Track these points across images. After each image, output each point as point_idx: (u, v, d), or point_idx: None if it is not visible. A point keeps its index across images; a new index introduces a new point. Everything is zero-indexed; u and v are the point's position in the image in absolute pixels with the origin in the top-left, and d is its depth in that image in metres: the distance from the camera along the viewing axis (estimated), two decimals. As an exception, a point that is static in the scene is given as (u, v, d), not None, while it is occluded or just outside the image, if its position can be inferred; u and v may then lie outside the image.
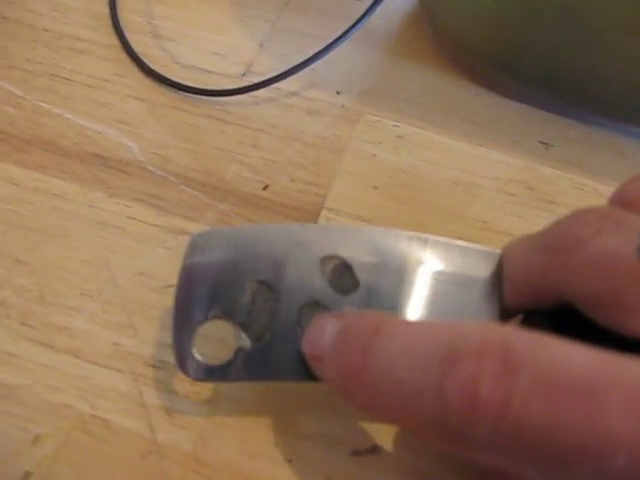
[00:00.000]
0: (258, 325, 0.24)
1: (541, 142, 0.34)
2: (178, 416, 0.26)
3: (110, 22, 0.37)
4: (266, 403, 0.26)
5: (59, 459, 0.25)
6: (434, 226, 0.31)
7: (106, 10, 0.37)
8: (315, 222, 0.31)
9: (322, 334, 0.22)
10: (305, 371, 0.23)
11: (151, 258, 0.29)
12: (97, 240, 0.30)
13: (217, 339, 0.25)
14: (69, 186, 0.31)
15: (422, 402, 0.18)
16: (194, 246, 0.25)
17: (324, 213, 0.31)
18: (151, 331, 0.28)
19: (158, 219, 0.30)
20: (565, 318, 0.22)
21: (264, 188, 0.32)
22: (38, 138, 0.33)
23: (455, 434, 0.18)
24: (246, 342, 0.24)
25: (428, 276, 0.24)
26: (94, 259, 0.29)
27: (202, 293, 0.24)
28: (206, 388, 0.26)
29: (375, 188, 0.32)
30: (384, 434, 0.26)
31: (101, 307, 0.28)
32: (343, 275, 0.24)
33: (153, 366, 0.27)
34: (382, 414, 0.21)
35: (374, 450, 0.25)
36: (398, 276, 0.24)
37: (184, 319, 0.24)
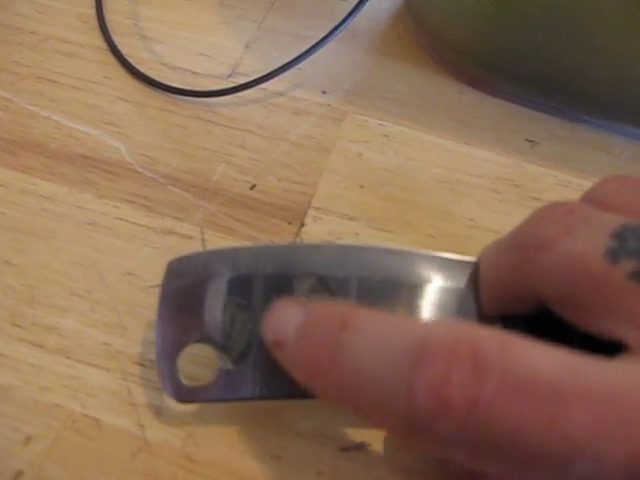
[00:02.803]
0: (238, 346, 0.24)
1: (527, 140, 0.34)
2: (167, 414, 0.26)
3: (97, 24, 0.37)
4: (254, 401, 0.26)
5: (50, 458, 0.25)
6: (421, 224, 0.31)
7: (92, 12, 0.37)
8: (302, 221, 0.31)
9: (285, 321, 0.22)
10: (287, 389, 0.23)
11: (140, 258, 0.30)
12: (86, 241, 0.30)
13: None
14: (57, 188, 0.31)
15: (391, 400, 0.18)
16: (172, 271, 0.25)
17: (311, 212, 0.31)
18: (140, 330, 0.28)
19: (146, 219, 0.31)
20: (544, 323, 0.22)
21: (251, 188, 0.32)
22: (26, 140, 0.33)
23: (423, 432, 0.18)
24: (227, 363, 0.24)
25: (404, 288, 0.24)
26: (83, 259, 0.29)
27: (182, 318, 0.25)
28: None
29: (361, 187, 0.32)
30: (371, 430, 0.26)
31: (90, 307, 0.28)
32: (320, 292, 0.24)
33: (142, 365, 0.27)
34: (350, 408, 0.21)
35: (362, 446, 0.26)
36: (373, 290, 0.24)
37: (167, 344, 0.25)
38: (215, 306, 0.24)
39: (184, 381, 0.24)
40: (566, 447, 0.17)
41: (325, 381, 0.20)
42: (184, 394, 0.24)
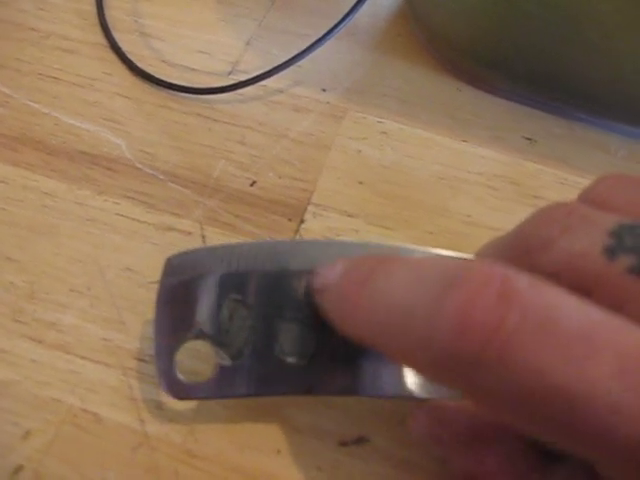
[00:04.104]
0: (236, 343, 0.24)
1: (525, 137, 0.34)
2: (168, 409, 0.26)
3: (97, 21, 0.37)
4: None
5: (50, 453, 0.25)
6: (419, 221, 0.31)
7: (93, 9, 0.37)
8: (302, 218, 0.31)
9: (331, 270, 0.22)
10: (285, 386, 0.24)
11: (139, 254, 0.30)
12: (86, 237, 0.30)
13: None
14: (58, 184, 0.32)
15: (416, 320, 0.18)
16: (170, 267, 0.25)
17: (310, 209, 0.31)
18: (140, 326, 0.28)
19: (146, 216, 0.31)
20: None
21: (251, 184, 0.32)
22: (27, 137, 0.33)
23: (441, 358, 0.18)
24: (226, 360, 0.24)
25: None
26: (83, 256, 0.30)
27: (180, 314, 0.25)
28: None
29: (360, 184, 0.32)
30: (371, 425, 0.26)
31: (90, 303, 0.28)
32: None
33: (142, 360, 0.27)
34: (372, 334, 0.21)
35: (361, 441, 0.26)
36: None
37: (164, 340, 0.25)
38: (213, 302, 0.24)
39: (181, 378, 0.24)
40: (587, 391, 0.16)
41: (356, 312, 0.21)
42: (181, 391, 0.24)
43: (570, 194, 0.32)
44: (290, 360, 0.24)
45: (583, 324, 0.17)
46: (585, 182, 0.32)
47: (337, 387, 0.24)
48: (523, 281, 0.18)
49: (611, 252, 0.19)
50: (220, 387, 0.24)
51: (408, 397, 0.24)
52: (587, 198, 0.23)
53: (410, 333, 0.19)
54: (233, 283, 0.25)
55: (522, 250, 0.22)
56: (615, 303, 0.19)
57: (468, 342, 0.17)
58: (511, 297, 0.17)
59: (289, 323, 0.24)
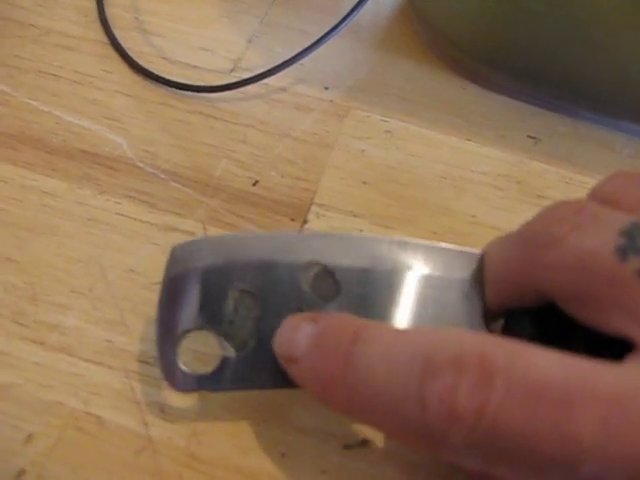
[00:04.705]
0: (242, 334, 0.24)
1: (529, 136, 0.34)
2: (171, 412, 0.26)
3: (97, 18, 0.37)
4: (258, 398, 0.26)
5: (53, 456, 0.25)
6: (423, 221, 0.31)
7: (93, 6, 0.37)
8: (305, 218, 0.31)
9: (296, 336, 0.22)
10: (289, 378, 0.23)
11: (142, 255, 0.29)
12: (87, 237, 0.30)
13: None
14: (58, 183, 0.31)
15: (402, 410, 0.19)
16: (175, 257, 0.25)
17: (313, 208, 0.31)
18: (142, 327, 0.28)
19: (148, 216, 0.30)
20: (548, 317, 0.22)
21: (254, 184, 0.32)
22: (26, 135, 0.33)
23: (434, 439, 0.19)
24: (230, 352, 0.24)
25: (409, 279, 0.24)
26: (84, 256, 0.29)
27: (185, 304, 0.24)
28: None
29: (364, 183, 0.32)
30: (376, 428, 0.26)
31: (92, 304, 0.28)
32: (325, 281, 0.24)
33: (145, 362, 0.27)
34: (361, 419, 0.21)
35: (366, 443, 0.26)
36: (379, 281, 0.24)
37: (168, 331, 0.24)
38: (219, 292, 0.24)
39: (184, 369, 0.24)
40: (573, 449, 0.17)
41: (337, 394, 0.21)
42: (184, 383, 0.24)
43: (575, 193, 0.32)
44: None
45: (562, 382, 0.17)
46: (590, 181, 0.32)
47: None
48: (498, 351, 0.18)
49: (623, 252, 0.19)
50: (224, 379, 0.24)
51: None
52: (597, 196, 0.22)
53: (397, 417, 0.19)
54: (238, 273, 0.24)
55: (530, 247, 0.21)
56: (623, 304, 0.19)
57: (456, 428, 0.18)
58: (490, 374, 0.18)
59: (296, 314, 0.24)
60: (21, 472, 0.25)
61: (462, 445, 0.18)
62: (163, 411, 0.26)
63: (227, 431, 0.26)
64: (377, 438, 0.26)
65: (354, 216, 0.31)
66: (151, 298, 0.28)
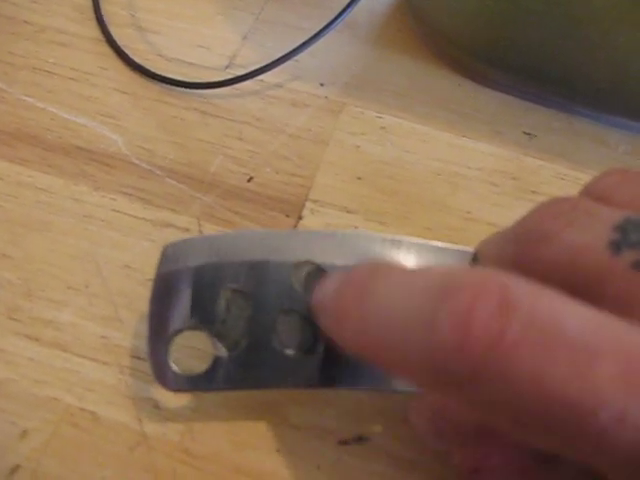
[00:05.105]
0: (234, 334, 0.24)
1: (524, 132, 0.34)
2: (165, 408, 0.26)
3: (93, 15, 0.37)
4: (253, 394, 0.26)
5: (48, 452, 0.25)
6: (418, 217, 0.31)
7: (88, 2, 0.37)
8: (300, 214, 0.31)
9: (327, 285, 0.22)
10: (282, 378, 0.23)
11: (137, 251, 0.29)
12: (83, 233, 0.30)
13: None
14: (54, 180, 0.31)
15: (412, 334, 0.18)
16: (167, 255, 0.25)
17: (308, 205, 0.31)
18: (137, 324, 0.28)
19: (144, 212, 0.30)
20: None
21: (249, 180, 0.32)
22: (22, 132, 0.33)
23: (439, 371, 0.17)
24: (222, 351, 0.24)
25: None
26: (80, 252, 0.29)
27: (177, 303, 0.24)
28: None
29: (359, 179, 0.32)
30: (371, 424, 0.26)
31: (87, 300, 0.28)
32: (317, 280, 0.24)
33: (140, 358, 0.27)
34: (370, 350, 0.20)
35: (361, 439, 0.26)
36: None
37: (159, 330, 0.24)
38: (211, 292, 0.24)
39: (176, 369, 0.24)
40: (590, 400, 0.16)
41: (348, 320, 0.20)
42: (175, 383, 0.24)
43: (570, 189, 0.32)
44: (288, 352, 0.24)
45: (584, 331, 0.16)
46: (585, 177, 0.32)
47: (336, 380, 0.24)
48: (523, 288, 0.17)
49: (616, 246, 0.19)
50: (216, 379, 0.24)
51: (410, 391, 0.24)
52: (590, 193, 0.22)
53: (407, 348, 0.18)
54: (231, 272, 0.24)
55: (524, 244, 0.21)
56: (619, 298, 0.19)
57: (467, 356, 0.16)
58: (511, 307, 0.16)
59: (287, 314, 0.24)
60: (16, 467, 0.25)
61: (468, 379, 0.17)
62: (157, 407, 0.26)
63: (221, 427, 0.26)
64: (373, 434, 0.26)
65: (349, 212, 0.31)
66: (146, 294, 0.27)
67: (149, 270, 0.28)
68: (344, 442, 0.26)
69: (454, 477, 0.24)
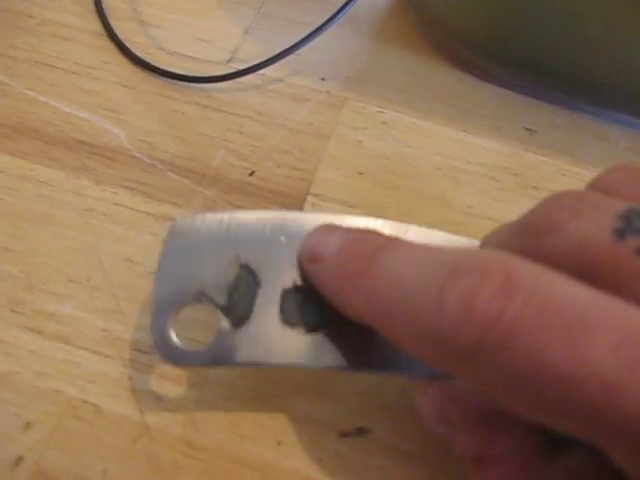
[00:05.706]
0: (239, 309, 0.24)
1: (525, 128, 0.34)
2: (168, 400, 0.26)
3: (94, 8, 0.37)
4: (255, 386, 0.27)
5: (51, 444, 0.25)
6: (419, 211, 0.31)
7: (90, -3, 0.37)
8: (301, 208, 0.31)
9: (327, 237, 0.23)
10: (286, 355, 0.23)
11: (139, 244, 0.29)
12: (84, 227, 0.30)
13: (197, 324, 0.26)
14: (55, 173, 0.31)
15: (419, 309, 0.19)
16: (176, 230, 0.25)
17: (310, 199, 0.31)
18: (139, 317, 0.28)
19: (145, 206, 0.31)
20: None
21: (250, 174, 0.32)
22: (23, 125, 0.33)
23: (444, 344, 0.18)
24: (227, 326, 0.24)
25: None
26: (82, 246, 0.29)
27: (182, 277, 0.24)
28: (195, 372, 0.27)
29: (360, 174, 0.32)
30: (372, 416, 0.26)
31: (89, 293, 0.28)
32: None
33: (142, 351, 0.27)
34: (376, 320, 0.21)
35: (362, 431, 0.26)
36: None
37: (165, 302, 0.24)
38: (220, 266, 0.24)
39: (178, 342, 0.24)
40: (579, 369, 0.17)
41: (357, 293, 0.21)
42: (179, 357, 0.24)
43: (571, 185, 0.32)
44: (294, 330, 0.24)
45: (581, 307, 0.17)
46: (586, 173, 0.32)
47: (340, 360, 0.24)
48: (525, 267, 0.18)
49: (620, 233, 0.19)
50: (219, 354, 0.23)
51: (415, 374, 0.24)
52: (596, 188, 0.23)
53: (413, 317, 0.19)
54: (240, 249, 0.24)
55: (531, 235, 0.22)
56: (622, 283, 0.19)
57: (470, 330, 0.17)
58: (514, 286, 0.18)
59: (294, 292, 0.24)
60: (19, 459, 0.25)
61: (470, 352, 0.18)
62: (160, 399, 0.26)
63: (223, 419, 0.26)
64: (374, 426, 0.26)
65: (350, 206, 0.31)
66: (148, 287, 0.28)
67: (151, 263, 0.29)
68: (345, 434, 0.26)
69: (454, 470, 0.24)
